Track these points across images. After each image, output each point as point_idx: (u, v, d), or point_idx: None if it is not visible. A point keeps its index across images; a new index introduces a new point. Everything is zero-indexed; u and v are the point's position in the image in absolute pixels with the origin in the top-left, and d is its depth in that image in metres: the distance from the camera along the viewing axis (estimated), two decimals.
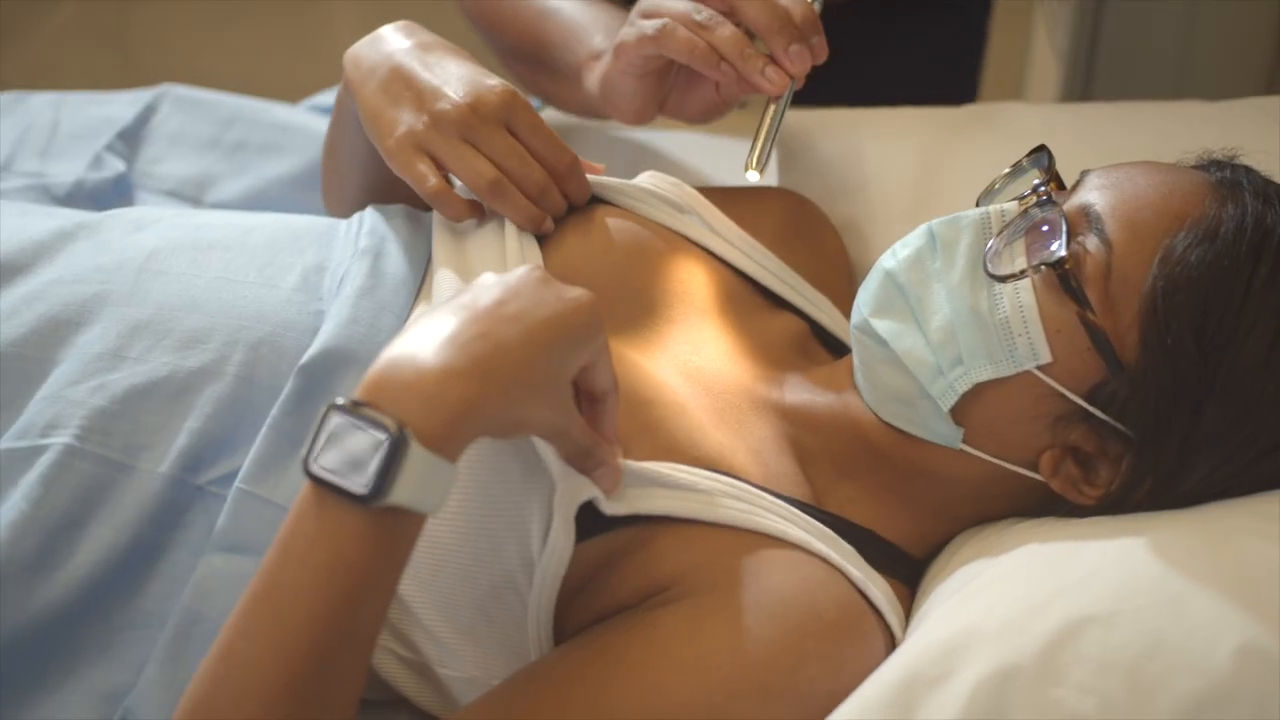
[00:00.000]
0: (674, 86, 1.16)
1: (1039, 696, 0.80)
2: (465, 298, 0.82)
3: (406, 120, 1.04)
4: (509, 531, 0.91)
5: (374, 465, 0.75)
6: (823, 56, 1.10)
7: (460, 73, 1.05)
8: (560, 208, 1.08)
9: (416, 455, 0.75)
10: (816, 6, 1.11)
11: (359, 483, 0.75)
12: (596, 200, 1.11)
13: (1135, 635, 0.81)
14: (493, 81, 1.04)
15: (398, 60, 1.06)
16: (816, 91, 1.19)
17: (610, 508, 0.89)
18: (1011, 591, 0.86)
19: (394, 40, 1.09)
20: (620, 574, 0.91)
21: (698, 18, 1.07)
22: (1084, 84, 1.91)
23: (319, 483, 0.76)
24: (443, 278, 1.02)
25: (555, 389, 0.83)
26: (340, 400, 0.77)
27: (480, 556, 0.92)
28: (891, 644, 0.93)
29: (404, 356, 0.78)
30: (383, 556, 0.77)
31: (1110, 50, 1.88)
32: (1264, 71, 1.86)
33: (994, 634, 0.82)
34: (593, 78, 1.19)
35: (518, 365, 0.80)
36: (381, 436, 0.75)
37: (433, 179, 1.03)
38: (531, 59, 1.31)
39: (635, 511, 0.90)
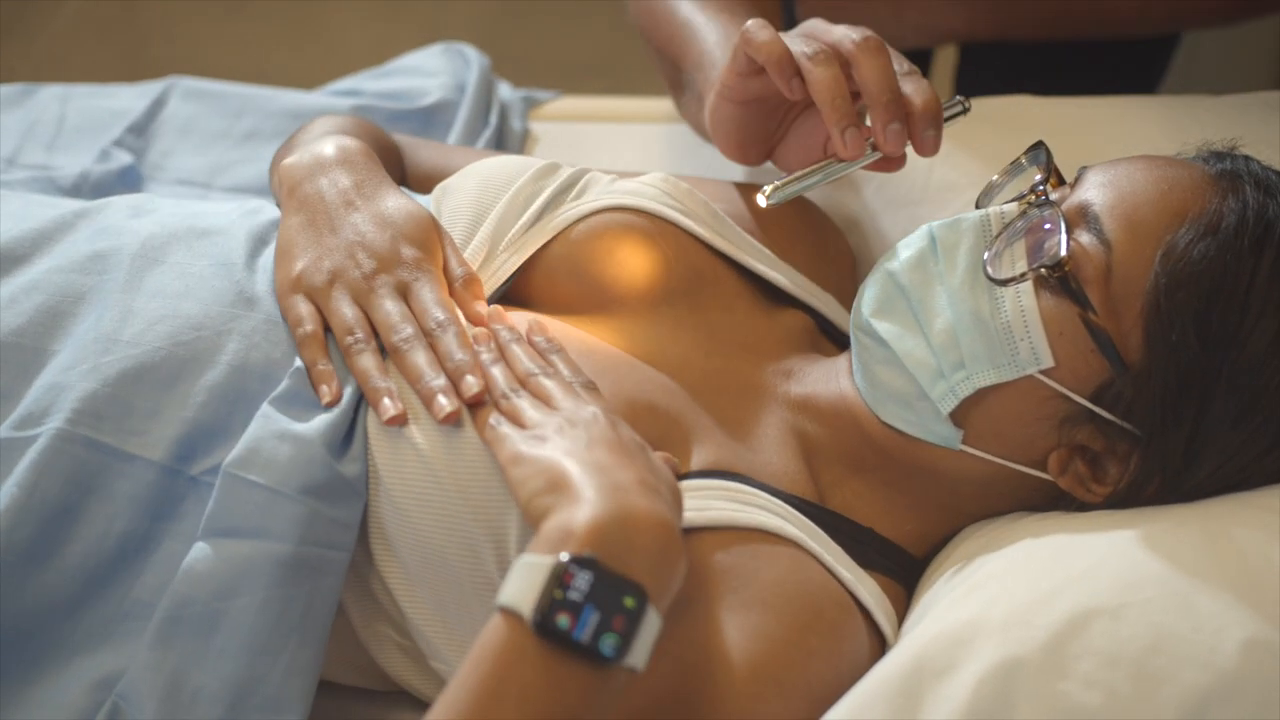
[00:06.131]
0: (785, 134, 1.12)
1: (1045, 689, 0.79)
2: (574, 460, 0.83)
3: (304, 264, 1.00)
4: (485, 537, 0.91)
5: (620, 628, 0.76)
6: (931, 151, 1.00)
7: (374, 228, 1.01)
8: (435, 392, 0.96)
9: (651, 617, 0.77)
10: (959, 110, 1.03)
11: (605, 645, 0.76)
12: (615, 209, 1.10)
13: (1142, 628, 0.81)
14: (406, 250, 1.00)
15: (326, 199, 1.03)
16: None
17: None
18: (1018, 583, 0.86)
19: (324, 178, 1.05)
20: None
21: (805, 48, 1.00)
22: None
23: (554, 635, 0.76)
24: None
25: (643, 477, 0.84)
26: (568, 556, 0.77)
27: (462, 559, 0.92)
28: (879, 643, 0.94)
29: (617, 511, 0.80)
30: (600, 711, 0.78)
31: None
32: (1270, 68, 1.86)
33: (1000, 626, 0.82)
34: (707, 105, 1.16)
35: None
36: (630, 600, 0.77)
37: (309, 325, 0.98)
38: (672, 70, 1.31)
39: None
